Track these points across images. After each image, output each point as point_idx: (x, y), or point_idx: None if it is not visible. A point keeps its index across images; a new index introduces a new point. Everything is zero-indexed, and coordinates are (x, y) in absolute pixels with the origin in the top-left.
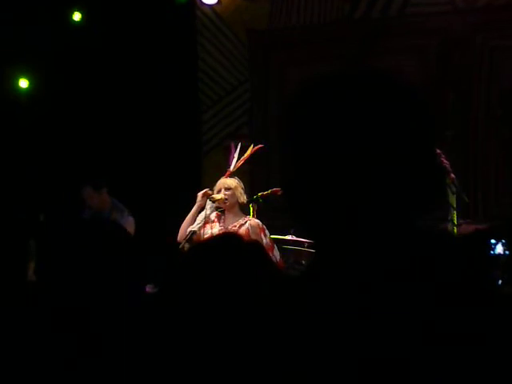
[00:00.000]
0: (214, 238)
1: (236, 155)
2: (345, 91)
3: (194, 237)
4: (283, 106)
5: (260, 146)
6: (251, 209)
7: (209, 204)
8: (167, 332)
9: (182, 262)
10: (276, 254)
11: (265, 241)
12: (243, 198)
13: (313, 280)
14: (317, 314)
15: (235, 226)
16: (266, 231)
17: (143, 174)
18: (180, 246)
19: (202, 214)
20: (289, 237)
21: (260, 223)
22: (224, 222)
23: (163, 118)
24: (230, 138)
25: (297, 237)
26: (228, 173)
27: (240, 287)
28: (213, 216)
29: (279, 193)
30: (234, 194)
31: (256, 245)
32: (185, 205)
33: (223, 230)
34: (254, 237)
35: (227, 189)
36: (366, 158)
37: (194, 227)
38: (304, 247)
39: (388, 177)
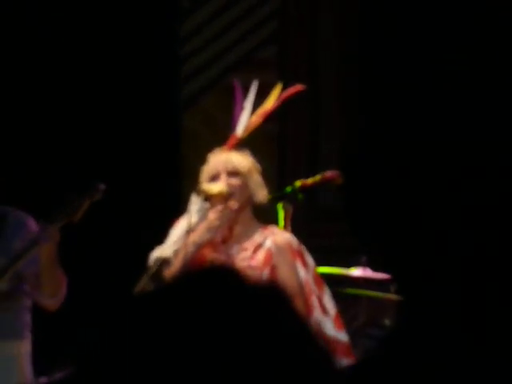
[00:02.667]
0: (193, 285)
1: (248, 105)
2: None
3: (166, 269)
4: None
5: (299, 87)
6: (280, 213)
7: (195, 205)
8: None
9: (132, 329)
10: (329, 307)
11: (302, 276)
12: (262, 193)
13: None
14: None
15: (245, 251)
16: (307, 257)
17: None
18: (136, 288)
19: (182, 226)
20: (357, 271)
21: (294, 241)
22: (225, 240)
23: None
24: (233, 72)
25: (374, 270)
26: (232, 141)
27: None
28: None
29: (339, 179)
30: (244, 185)
31: (280, 297)
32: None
33: (220, 260)
34: (281, 269)
35: (232, 173)
36: None
37: (166, 250)
38: (390, 291)
39: None
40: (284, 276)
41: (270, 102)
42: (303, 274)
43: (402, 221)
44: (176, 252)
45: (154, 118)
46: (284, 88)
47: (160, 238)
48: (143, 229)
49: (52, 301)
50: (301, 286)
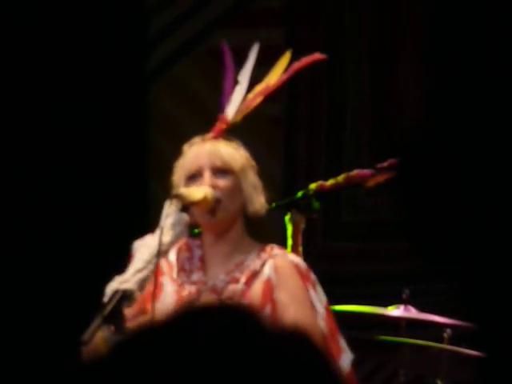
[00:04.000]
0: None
1: (243, 78)
2: None
3: (128, 306)
4: None
5: (317, 55)
6: (288, 228)
7: (169, 217)
8: None
9: None
10: (343, 359)
11: (320, 310)
12: (260, 200)
13: None
14: None
15: (235, 283)
16: (317, 287)
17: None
18: (86, 335)
19: (150, 246)
20: (397, 311)
21: (302, 264)
22: (206, 264)
23: None
24: (220, 29)
25: (420, 309)
26: (220, 126)
27: None
28: (173, 254)
29: (370, 181)
30: (236, 188)
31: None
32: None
33: (198, 294)
34: (288, 303)
35: (219, 171)
36: None
37: (128, 281)
38: (443, 339)
39: None
40: (295, 311)
41: (275, 75)
42: (320, 306)
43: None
44: (141, 283)
45: (111, 93)
46: (295, 53)
47: (120, 263)
48: (96, 250)
49: None
50: (323, 323)
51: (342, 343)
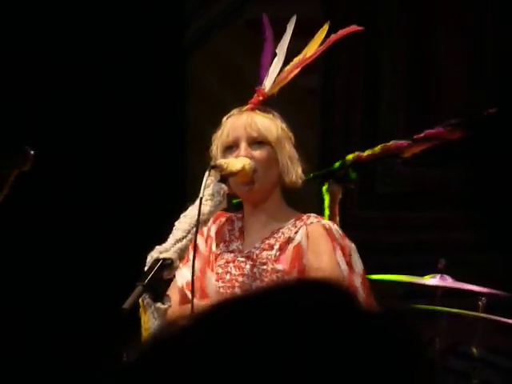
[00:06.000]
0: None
1: (281, 50)
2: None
3: (168, 275)
4: None
5: (354, 27)
6: (325, 198)
7: (208, 187)
8: None
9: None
10: None
11: (346, 273)
12: (296, 171)
13: None
14: None
15: (269, 249)
16: (354, 258)
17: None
18: (126, 303)
19: (189, 217)
20: (433, 280)
21: (335, 229)
22: (245, 233)
23: None
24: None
25: (456, 278)
26: (258, 98)
27: None
28: (213, 228)
29: (408, 152)
30: (273, 158)
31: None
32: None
33: (237, 258)
34: (314, 262)
35: (256, 142)
36: None
37: (169, 250)
38: (478, 308)
39: None
40: (320, 270)
41: (313, 47)
42: (346, 271)
43: None
44: (181, 252)
45: (149, 66)
46: (331, 25)
47: (160, 234)
48: (137, 222)
49: None
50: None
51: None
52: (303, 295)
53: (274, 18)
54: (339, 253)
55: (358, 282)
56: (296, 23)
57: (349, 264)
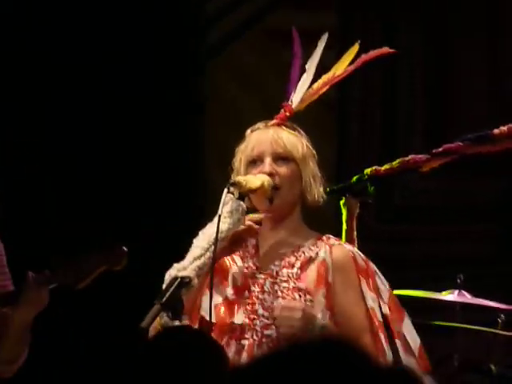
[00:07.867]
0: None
1: (311, 65)
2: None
3: (186, 293)
4: None
5: (386, 49)
6: (343, 212)
7: (227, 204)
8: None
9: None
10: (412, 344)
11: (370, 304)
12: (318, 190)
13: None
14: None
15: (290, 267)
16: (378, 278)
17: None
18: (144, 322)
19: (207, 234)
20: (451, 295)
21: (359, 255)
22: (260, 248)
23: None
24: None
25: (474, 294)
26: (285, 113)
27: None
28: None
29: (426, 166)
30: (297, 176)
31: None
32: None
33: (256, 275)
34: (342, 294)
35: (281, 158)
36: None
37: (187, 268)
38: (498, 325)
39: None
40: (347, 304)
41: (343, 64)
42: (371, 301)
43: None
44: (199, 270)
45: (168, 76)
46: (349, 37)
47: (178, 251)
48: (154, 238)
49: (7, 367)
50: (369, 318)
51: (409, 335)
52: (325, 362)
53: (292, 28)
54: (365, 287)
55: (385, 309)
56: (309, 33)
57: (374, 288)
